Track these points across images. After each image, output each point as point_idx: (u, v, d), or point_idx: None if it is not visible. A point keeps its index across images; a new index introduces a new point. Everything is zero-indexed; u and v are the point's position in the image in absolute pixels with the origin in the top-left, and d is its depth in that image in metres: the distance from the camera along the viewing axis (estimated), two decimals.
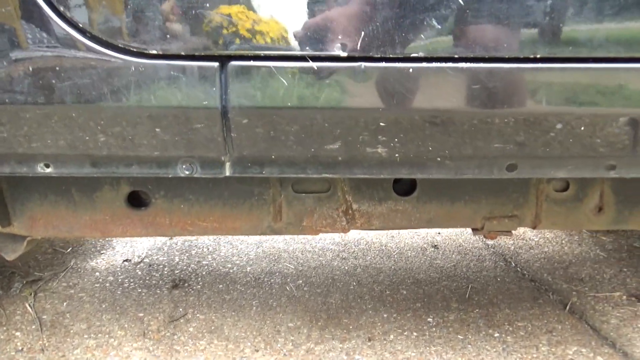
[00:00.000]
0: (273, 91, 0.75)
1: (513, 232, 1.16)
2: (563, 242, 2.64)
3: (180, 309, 1.88)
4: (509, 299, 1.97)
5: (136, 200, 1.16)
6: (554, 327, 1.71)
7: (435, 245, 2.66)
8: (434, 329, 1.71)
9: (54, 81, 0.75)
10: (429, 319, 1.78)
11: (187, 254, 2.58)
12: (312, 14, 0.71)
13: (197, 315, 1.83)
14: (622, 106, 0.77)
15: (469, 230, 2.84)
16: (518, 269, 2.33)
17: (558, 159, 0.85)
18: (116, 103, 0.76)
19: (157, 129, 0.79)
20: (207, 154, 0.84)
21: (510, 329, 1.70)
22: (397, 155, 0.83)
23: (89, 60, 0.74)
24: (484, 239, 2.72)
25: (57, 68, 0.75)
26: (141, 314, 1.84)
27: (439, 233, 2.84)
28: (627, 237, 2.64)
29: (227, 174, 0.87)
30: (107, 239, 2.78)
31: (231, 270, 2.37)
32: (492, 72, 0.73)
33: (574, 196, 1.11)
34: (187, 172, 0.87)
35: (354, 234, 2.79)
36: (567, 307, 1.87)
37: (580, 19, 0.73)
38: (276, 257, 2.52)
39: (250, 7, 0.72)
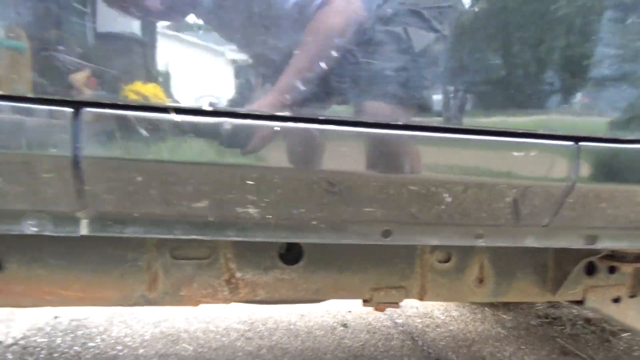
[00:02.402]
0: (131, 142, 0.70)
1: (400, 303, 1.14)
2: (467, 320, 2.67)
3: None
4: None
5: None
6: None
7: (345, 324, 2.59)
8: None
9: None
10: None
11: (72, 335, 2.30)
12: (179, 65, 0.70)
13: None
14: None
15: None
16: (424, 347, 2.31)
17: (430, 226, 0.86)
18: None
19: None
20: (59, 209, 0.76)
21: None
22: (269, 216, 0.80)
23: None
24: (393, 318, 2.70)
25: None
26: None
27: (350, 311, 2.78)
28: (525, 315, 2.73)
29: (83, 232, 0.79)
30: None
31: (120, 354, 2.13)
32: (360, 135, 0.75)
33: (455, 267, 1.13)
34: (34, 229, 0.77)
35: (262, 312, 2.66)
36: None
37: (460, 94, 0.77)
38: (174, 338, 2.31)
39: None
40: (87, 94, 0.69)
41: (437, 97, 0.80)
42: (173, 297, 1.04)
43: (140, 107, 0.70)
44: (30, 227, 0.77)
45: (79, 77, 0.68)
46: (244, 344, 2.29)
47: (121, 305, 1.04)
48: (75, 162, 0.70)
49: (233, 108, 0.71)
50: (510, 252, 1.11)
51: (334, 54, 0.73)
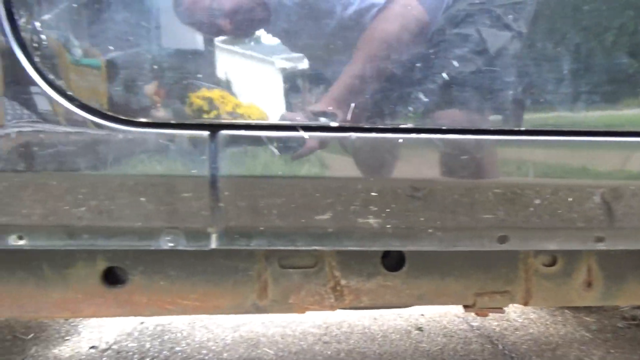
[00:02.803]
0: (264, 160, 0.74)
1: (505, 309, 1.13)
2: (547, 323, 2.59)
3: None
4: None
5: (112, 278, 1.10)
6: None
7: (420, 328, 2.57)
8: None
9: (35, 148, 0.73)
10: None
11: (159, 340, 2.42)
12: (305, 85, 0.73)
13: None
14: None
15: (453, 311, 2.78)
16: (506, 351, 2.26)
17: (548, 230, 0.85)
18: (100, 171, 0.74)
19: (142, 199, 0.77)
20: (193, 225, 0.81)
21: None
22: (388, 226, 0.82)
23: (75, 127, 0.73)
24: (468, 321, 2.65)
25: (41, 135, 0.73)
26: None
27: (423, 315, 2.76)
28: (609, 317, 2.61)
29: (213, 246, 0.84)
30: (72, 323, 2.60)
31: (207, 357, 2.22)
32: (479, 143, 0.75)
33: (562, 271, 1.11)
34: (170, 245, 0.83)
35: (336, 316, 2.68)
36: None
37: (559, 95, 0.76)
38: (254, 342, 2.38)
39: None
40: (222, 118, 0.73)
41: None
42: (282, 305, 1.08)
43: (270, 126, 0.73)
44: (167, 243, 0.83)
45: (215, 98, 0.73)
46: (322, 348, 2.32)
47: (234, 313, 1.09)
48: (212, 182, 0.75)
49: (357, 123, 0.74)
50: (620, 253, 1.07)
51: (455, 63, 0.74)
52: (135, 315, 1.07)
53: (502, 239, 0.86)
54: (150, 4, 0.73)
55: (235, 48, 0.76)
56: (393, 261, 1.12)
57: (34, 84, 0.73)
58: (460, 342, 2.37)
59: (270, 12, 0.73)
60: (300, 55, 0.76)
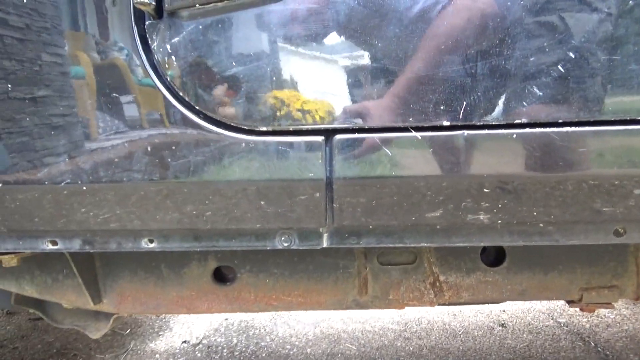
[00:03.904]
0: (376, 162, 0.77)
1: (614, 304, 1.09)
2: None
3: None
4: None
5: (220, 276, 1.17)
6: None
7: (503, 324, 2.51)
8: None
9: (169, 159, 0.80)
10: None
11: (244, 335, 2.52)
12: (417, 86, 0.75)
13: None
14: None
15: (536, 307, 2.68)
16: (599, 349, 2.16)
17: None
18: (225, 178, 0.80)
19: (262, 202, 0.82)
20: (307, 226, 0.85)
21: None
22: (499, 222, 0.82)
23: (203, 139, 0.79)
24: (555, 317, 2.56)
25: (173, 147, 0.80)
26: None
27: (504, 311, 2.69)
28: None
29: (325, 245, 0.88)
30: (164, 319, 2.77)
31: (291, 352, 2.29)
32: (598, 134, 0.74)
33: None
34: (285, 244, 0.88)
35: (415, 312, 2.68)
36: None
37: None
38: (336, 338, 2.43)
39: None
40: (337, 122, 0.76)
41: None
42: (382, 301, 1.11)
43: (383, 128, 0.76)
44: (282, 243, 0.88)
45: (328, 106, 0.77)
46: (404, 344, 2.33)
47: (336, 309, 1.13)
48: (328, 184, 0.78)
49: (468, 121, 0.74)
50: None
51: (571, 54, 0.72)
52: (243, 312, 1.13)
53: (619, 232, 0.84)
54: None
55: (335, 56, 0.79)
56: (491, 256, 1.12)
57: (169, 103, 0.80)
58: (548, 339, 2.30)
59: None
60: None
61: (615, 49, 0.71)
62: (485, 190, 0.77)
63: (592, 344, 2.22)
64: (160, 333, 2.63)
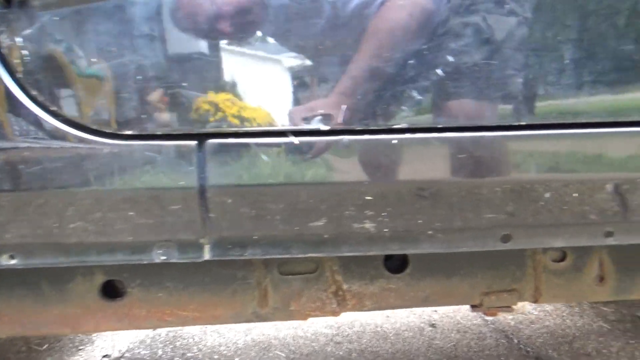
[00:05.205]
0: (253, 168, 0.72)
1: (513, 307, 1.09)
2: (564, 314, 2.54)
3: None
4: None
5: (112, 291, 1.08)
6: None
7: (433, 324, 2.54)
8: None
9: (21, 166, 0.72)
10: None
11: (171, 346, 2.41)
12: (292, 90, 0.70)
13: None
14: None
15: (467, 306, 2.74)
16: (521, 345, 2.21)
17: (553, 227, 0.81)
18: (87, 187, 0.72)
19: (131, 213, 0.75)
20: (185, 237, 0.79)
21: None
22: (385, 230, 0.79)
23: (60, 143, 0.71)
24: (483, 315, 2.61)
25: (26, 152, 0.71)
26: None
27: (436, 310, 2.72)
28: (628, 307, 2.55)
29: (207, 257, 0.82)
30: (87, 332, 2.61)
31: None
32: (476, 140, 0.72)
33: (572, 266, 1.07)
34: (163, 258, 0.81)
35: (348, 316, 2.66)
36: None
37: (562, 87, 0.73)
38: (266, 346, 2.37)
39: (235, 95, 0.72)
40: (209, 126, 0.71)
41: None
42: (283, 312, 1.06)
43: (259, 133, 0.71)
44: (159, 256, 0.81)
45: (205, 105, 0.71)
46: (334, 349, 2.30)
47: (235, 322, 1.07)
48: (201, 192, 0.72)
49: (349, 126, 0.71)
50: (633, 246, 1.03)
51: (450, 58, 0.70)
52: (135, 329, 1.05)
53: (506, 238, 0.83)
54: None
55: (227, 53, 0.73)
56: (396, 263, 1.09)
57: (19, 101, 0.71)
58: (474, 338, 2.34)
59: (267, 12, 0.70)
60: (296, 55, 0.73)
61: (490, 54, 0.70)
62: (367, 198, 0.74)
63: (515, 340, 2.28)
64: (80, 347, 2.47)
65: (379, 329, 2.52)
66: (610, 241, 0.83)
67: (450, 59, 0.71)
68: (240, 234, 0.79)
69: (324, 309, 1.06)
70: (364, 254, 0.84)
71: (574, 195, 0.75)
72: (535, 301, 1.08)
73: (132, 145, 0.71)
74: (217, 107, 0.72)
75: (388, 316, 2.68)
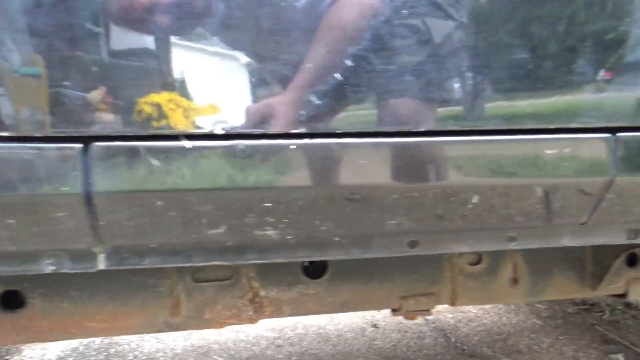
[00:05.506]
0: (143, 174, 0.68)
1: (431, 310, 1.10)
2: (501, 312, 2.61)
3: None
4: None
5: (13, 301, 1.01)
6: None
7: (375, 325, 2.55)
8: None
9: None
10: None
11: (105, 354, 2.31)
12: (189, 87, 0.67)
13: None
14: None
15: None
16: (458, 344, 2.26)
17: (458, 232, 0.82)
18: None
19: (11, 221, 0.69)
20: (76, 246, 0.74)
21: None
22: (289, 237, 0.77)
23: None
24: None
25: None
26: None
27: (379, 311, 2.74)
28: (561, 304, 2.65)
29: (101, 267, 0.77)
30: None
31: None
32: (376, 146, 0.71)
33: (487, 269, 1.08)
34: (52, 268, 0.76)
35: (291, 318, 2.64)
36: None
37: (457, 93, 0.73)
38: (205, 350, 2.31)
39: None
40: (95, 128, 0.66)
41: (460, 97, 0.74)
42: (197, 321, 1.02)
43: (149, 136, 0.67)
44: (48, 266, 0.76)
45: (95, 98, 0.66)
46: (275, 352, 2.27)
47: (146, 332, 1.02)
48: (88, 199, 0.68)
49: (246, 129, 0.68)
50: (544, 249, 1.06)
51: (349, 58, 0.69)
52: (37, 342, 0.99)
53: (413, 244, 0.82)
54: None
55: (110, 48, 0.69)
56: (316, 269, 1.08)
57: None
58: (414, 337, 2.37)
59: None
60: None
61: (389, 58, 0.69)
62: (266, 204, 0.72)
63: (453, 339, 2.32)
64: (6, 358, 2.33)
65: (321, 330, 2.51)
66: (514, 246, 0.84)
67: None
68: (136, 243, 0.75)
69: (240, 317, 1.03)
70: (272, 261, 0.82)
71: (473, 201, 0.75)
72: (453, 304, 1.09)
73: (9, 147, 0.66)
74: (107, 107, 0.67)
75: (332, 317, 2.67)
